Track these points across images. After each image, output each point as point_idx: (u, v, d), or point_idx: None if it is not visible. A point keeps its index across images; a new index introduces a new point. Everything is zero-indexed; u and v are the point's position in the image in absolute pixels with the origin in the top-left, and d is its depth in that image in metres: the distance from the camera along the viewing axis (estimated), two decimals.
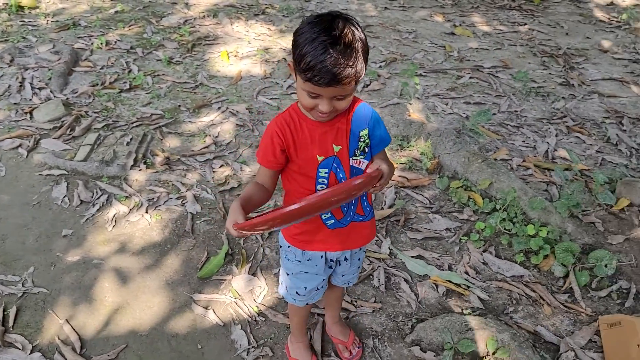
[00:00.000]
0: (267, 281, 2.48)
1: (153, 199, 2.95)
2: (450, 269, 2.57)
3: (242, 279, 2.48)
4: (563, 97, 4.21)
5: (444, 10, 6.11)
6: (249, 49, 4.80)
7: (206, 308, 2.34)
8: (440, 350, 2.16)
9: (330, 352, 2.18)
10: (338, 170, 1.58)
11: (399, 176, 3.19)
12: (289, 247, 1.77)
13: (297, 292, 1.86)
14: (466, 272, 2.55)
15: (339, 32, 1.32)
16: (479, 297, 2.41)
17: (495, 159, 3.30)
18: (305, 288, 1.83)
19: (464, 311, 2.34)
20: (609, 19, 6.05)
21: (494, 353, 2.09)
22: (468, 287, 2.46)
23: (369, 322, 2.31)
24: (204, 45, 4.86)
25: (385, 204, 2.97)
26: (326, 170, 1.57)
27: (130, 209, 2.87)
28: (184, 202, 2.94)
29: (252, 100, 4.01)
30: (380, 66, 4.61)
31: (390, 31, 5.41)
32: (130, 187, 3.03)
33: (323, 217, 1.65)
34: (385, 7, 6.08)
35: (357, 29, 1.38)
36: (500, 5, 6.34)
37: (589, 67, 4.82)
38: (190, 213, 2.86)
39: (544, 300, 2.41)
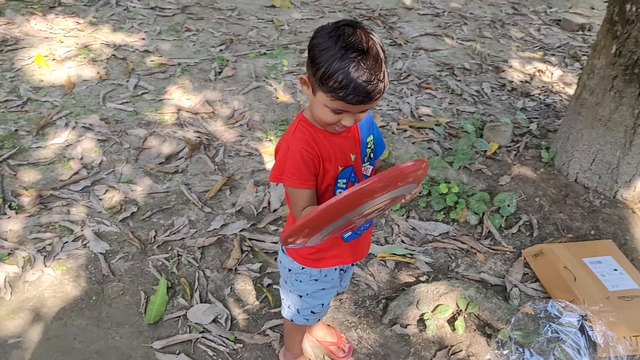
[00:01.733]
0: (225, 304, 2.31)
1: (44, 248, 2.49)
2: (387, 242, 2.69)
3: (197, 310, 2.27)
4: (399, 57, 4.55)
5: None
6: (66, 49, 4.19)
7: (175, 354, 2.10)
8: (419, 321, 2.28)
9: (324, 356, 2.15)
10: (353, 180, 1.54)
11: None
12: (302, 268, 1.68)
13: (312, 312, 1.78)
14: (402, 241, 2.69)
15: (366, 45, 1.26)
16: (425, 262, 2.57)
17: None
18: (322, 305, 1.77)
19: (420, 278, 2.48)
20: None
21: (465, 309, 2.28)
22: (412, 255, 2.60)
23: (342, 315, 2.31)
24: (8, 52, 4.10)
25: None
26: (344, 180, 1.52)
27: (23, 267, 2.39)
28: (85, 242, 2.54)
29: (101, 108, 3.55)
30: (221, 49, 4.43)
31: (211, 10, 5.19)
32: (7, 240, 2.51)
33: None
34: None
35: (375, 36, 1.33)
36: None
37: (404, 25, 5.26)
38: (100, 254, 2.49)
39: (474, 249, 2.67)
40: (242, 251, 2.57)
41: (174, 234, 2.64)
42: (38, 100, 3.57)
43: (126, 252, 2.52)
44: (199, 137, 3.32)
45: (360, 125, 1.55)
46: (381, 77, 1.28)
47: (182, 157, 3.15)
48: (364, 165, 1.57)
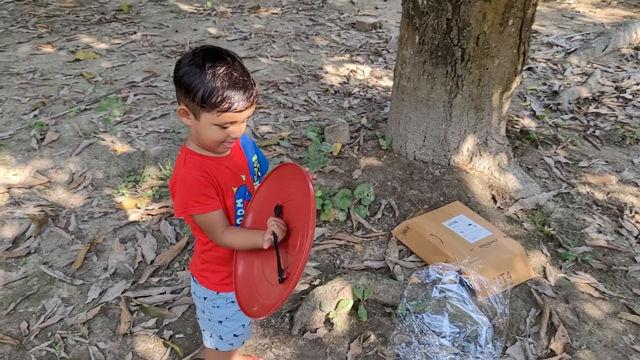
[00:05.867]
0: None
1: None
2: None
3: None
4: None
5: (46, 39, 5.67)
6: None
7: None
8: (325, 322, 2.38)
9: None
10: (248, 198, 1.63)
11: (160, 207, 3.09)
12: (217, 294, 1.70)
13: (234, 335, 1.80)
14: None
15: (228, 57, 1.39)
16: (313, 267, 2.69)
17: None
18: (244, 325, 1.80)
19: (314, 283, 2.59)
20: (197, 10, 6.70)
21: (363, 297, 2.44)
22: None
23: (253, 340, 2.33)
24: None
25: (174, 239, 2.88)
26: (241, 200, 1.60)
27: None
28: None
29: None
30: (35, 115, 4.11)
31: (9, 76, 4.77)
32: None
33: None
34: None
35: (230, 51, 1.44)
36: (96, 22, 6.24)
37: None
38: None
39: (351, 242, 2.86)
40: (131, 312, 2.45)
41: (49, 317, 2.42)
42: None
43: (0, 354, 2.25)
44: (42, 211, 3.06)
45: (244, 147, 1.65)
46: (252, 81, 1.41)
47: (31, 236, 2.89)
48: (254, 183, 1.65)
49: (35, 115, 4.10)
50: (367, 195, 3.07)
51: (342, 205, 3.00)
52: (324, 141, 3.63)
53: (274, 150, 3.62)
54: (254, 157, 1.67)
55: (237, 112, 1.38)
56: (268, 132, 3.88)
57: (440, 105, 3.13)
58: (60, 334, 2.34)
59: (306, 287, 2.59)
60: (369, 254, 2.79)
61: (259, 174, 1.70)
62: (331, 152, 3.51)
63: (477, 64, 2.95)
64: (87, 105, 4.25)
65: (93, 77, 4.77)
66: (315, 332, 2.36)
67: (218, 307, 1.73)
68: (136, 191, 3.25)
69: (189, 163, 1.50)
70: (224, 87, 1.34)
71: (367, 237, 2.89)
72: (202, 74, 1.35)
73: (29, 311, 2.46)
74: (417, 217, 2.94)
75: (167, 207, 3.11)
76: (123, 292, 2.54)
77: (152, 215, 3.06)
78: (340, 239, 2.87)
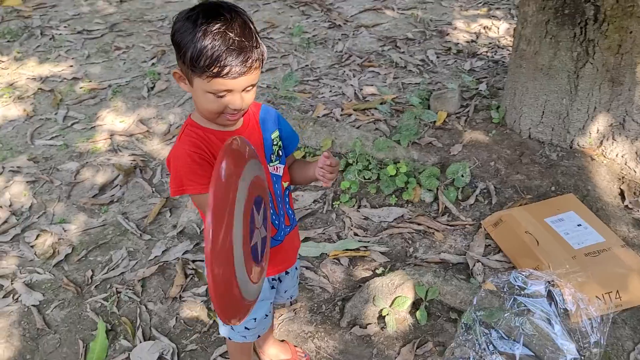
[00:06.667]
0: (171, 337, 2.14)
1: None
2: (339, 237, 2.52)
3: (141, 349, 2.10)
4: (339, 39, 4.37)
5: None
6: None
7: None
8: (379, 318, 2.12)
9: None
10: None
11: None
12: None
13: (245, 328, 1.63)
14: (356, 234, 2.53)
15: (228, 15, 1.17)
16: (380, 252, 2.41)
17: (318, 117, 3.30)
18: (255, 319, 1.62)
19: (377, 271, 2.32)
20: None
21: (426, 297, 2.12)
22: (366, 247, 2.44)
23: (297, 326, 2.15)
24: None
25: None
26: None
27: None
28: (16, 297, 2.36)
29: (29, 147, 3.35)
30: (153, 63, 4.22)
31: (141, 24, 4.97)
32: None
33: None
34: (121, 1, 5.53)
35: (239, 8, 1.23)
36: None
37: (342, 4, 5.07)
38: (33, 306, 2.30)
39: (431, 228, 2.51)
40: (187, 276, 2.40)
41: (112, 269, 2.46)
42: None
43: (61, 299, 2.34)
44: (134, 161, 3.13)
45: (263, 121, 1.44)
46: (254, 43, 1.19)
47: (117, 185, 2.96)
48: (271, 164, 1.45)
49: (153, 64, 4.21)
50: (462, 176, 2.67)
51: (429, 185, 2.64)
52: (428, 108, 3.24)
53: (372, 114, 3.31)
54: (275, 134, 1.44)
55: (230, 78, 1.18)
56: (371, 94, 3.57)
57: (563, 75, 2.57)
58: (116, 288, 2.36)
59: (369, 274, 2.33)
60: (450, 245, 2.44)
61: (280, 153, 1.46)
62: (433, 122, 3.12)
63: (616, 26, 2.34)
64: None
65: None
66: (366, 327, 2.11)
67: None
68: None
69: (185, 137, 1.33)
70: (213, 48, 1.14)
71: (451, 225, 2.52)
72: (193, 31, 1.16)
73: (97, 260, 2.53)
74: (515, 208, 2.49)
75: None
76: (184, 254, 2.50)
77: None
78: (420, 224, 2.54)
